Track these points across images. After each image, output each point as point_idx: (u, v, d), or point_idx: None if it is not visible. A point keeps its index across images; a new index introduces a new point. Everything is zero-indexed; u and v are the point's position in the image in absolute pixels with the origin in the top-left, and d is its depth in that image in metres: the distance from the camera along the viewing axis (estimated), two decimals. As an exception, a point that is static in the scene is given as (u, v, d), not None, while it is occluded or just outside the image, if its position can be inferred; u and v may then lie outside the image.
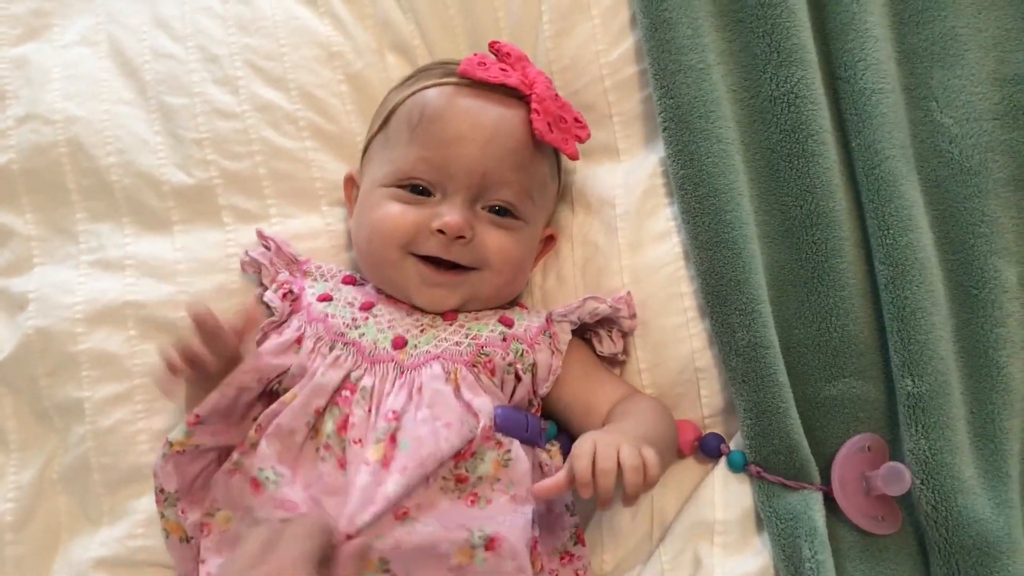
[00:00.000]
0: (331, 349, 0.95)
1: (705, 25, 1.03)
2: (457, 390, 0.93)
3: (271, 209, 1.10)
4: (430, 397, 0.91)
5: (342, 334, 0.95)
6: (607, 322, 1.01)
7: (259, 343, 0.99)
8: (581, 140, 1.02)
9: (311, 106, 1.12)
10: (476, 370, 0.94)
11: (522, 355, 0.96)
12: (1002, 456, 0.91)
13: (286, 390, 0.93)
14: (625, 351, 1.02)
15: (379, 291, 1.02)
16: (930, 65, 1.04)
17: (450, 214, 0.94)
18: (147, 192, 1.09)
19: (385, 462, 0.88)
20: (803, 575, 0.88)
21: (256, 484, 0.90)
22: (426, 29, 1.17)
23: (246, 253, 1.05)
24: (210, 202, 1.10)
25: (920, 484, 0.89)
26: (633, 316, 1.00)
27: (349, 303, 0.99)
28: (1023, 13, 1.04)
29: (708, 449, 0.97)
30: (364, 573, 0.85)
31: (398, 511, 0.87)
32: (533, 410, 0.98)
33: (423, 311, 0.99)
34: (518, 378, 0.96)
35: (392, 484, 0.87)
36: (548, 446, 0.98)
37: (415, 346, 0.95)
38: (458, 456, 0.90)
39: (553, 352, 0.98)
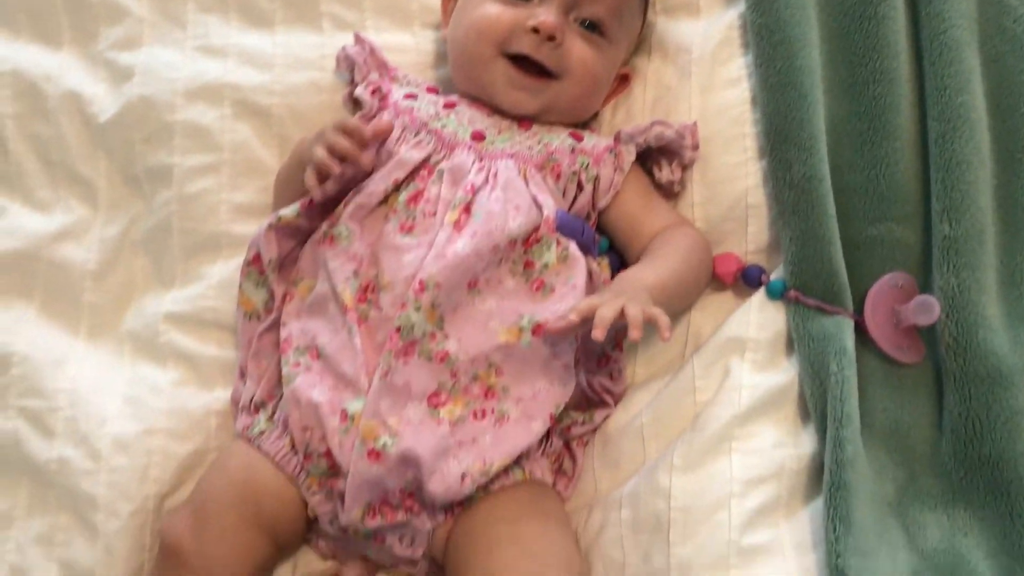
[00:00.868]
0: (415, 135, 1.02)
1: None
2: (526, 184, 1.00)
3: (367, 21, 1.18)
4: (504, 182, 0.99)
5: (425, 123, 1.03)
6: (669, 153, 1.08)
7: None
8: None
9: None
10: (543, 172, 1.02)
11: (587, 167, 1.04)
12: (1025, 303, 0.98)
13: None
14: (682, 183, 1.09)
15: (462, 95, 1.09)
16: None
17: (546, 14, 1.02)
18: (257, -10, 1.17)
19: (458, 226, 0.96)
20: (828, 388, 0.94)
21: (332, 240, 0.98)
22: None
23: (343, 49, 1.12)
24: (312, 8, 1.18)
25: (945, 317, 0.96)
26: (696, 147, 1.07)
27: (433, 102, 1.07)
28: None
29: (749, 278, 1.04)
30: (423, 320, 0.93)
31: (471, 280, 0.95)
32: (590, 223, 1.05)
33: (502, 115, 1.06)
34: (580, 187, 1.04)
35: (461, 243, 0.94)
36: (599, 259, 1.05)
37: (492, 142, 1.02)
38: (526, 243, 0.97)
39: (616, 169, 1.05)
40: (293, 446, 0.95)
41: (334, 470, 0.93)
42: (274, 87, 1.13)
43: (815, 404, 0.95)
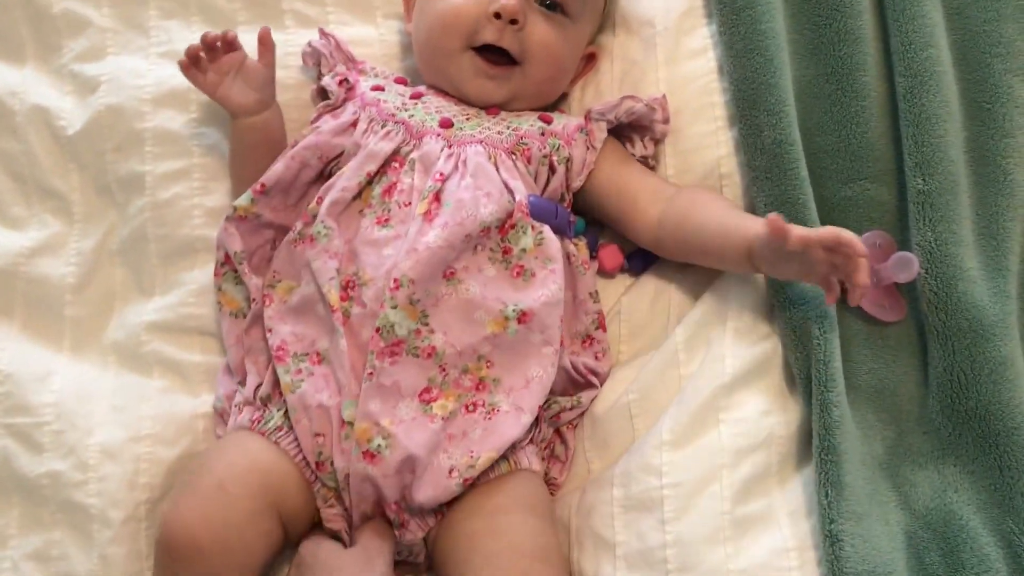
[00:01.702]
0: (383, 127, 1.02)
1: None
2: (497, 170, 1.00)
3: (330, 16, 1.17)
4: (473, 168, 0.98)
5: (392, 115, 1.03)
6: (641, 128, 1.07)
7: (312, 123, 1.06)
8: None
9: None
10: (514, 157, 1.01)
11: (558, 148, 1.03)
12: (1003, 253, 0.98)
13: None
14: (655, 157, 1.08)
15: (429, 86, 1.08)
16: None
17: None
18: (216, -7, 1.17)
19: (428, 216, 0.95)
20: (810, 352, 0.94)
21: (311, 239, 0.97)
22: None
23: (308, 44, 1.12)
24: (274, 6, 1.17)
25: (925, 273, 0.95)
26: (666, 120, 1.07)
27: (400, 93, 1.06)
28: None
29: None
30: (404, 318, 0.93)
31: (447, 271, 0.95)
32: (564, 204, 1.05)
33: (469, 104, 1.06)
34: (552, 169, 1.03)
35: (433, 235, 0.94)
36: (575, 240, 1.05)
37: (460, 128, 1.02)
38: (502, 230, 0.97)
39: (588, 148, 1.05)
40: (303, 454, 0.94)
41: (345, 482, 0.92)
42: (238, 88, 1.12)
43: (800, 369, 0.95)
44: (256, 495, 0.91)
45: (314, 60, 1.12)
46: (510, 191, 0.98)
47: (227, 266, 1.03)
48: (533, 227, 0.98)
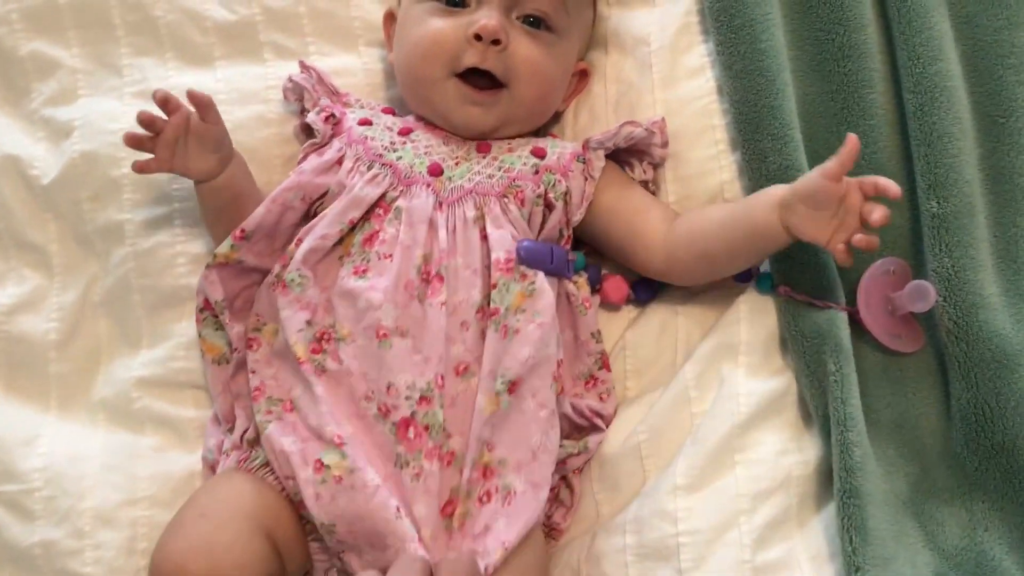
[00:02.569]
0: (369, 168, 0.97)
1: None
2: (483, 229, 0.95)
3: (310, 47, 1.12)
4: (463, 245, 0.94)
5: (380, 155, 0.98)
6: (639, 153, 1.03)
7: (300, 164, 1.02)
8: None
9: (352, -56, 1.14)
10: (505, 200, 0.97)
11: (554, 185, 0.99)
12: (1024, 276, 0.94)
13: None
14: (655, 182, 1.04)
15: (418, 119, 1.04)
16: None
17: (486, 18, 0.96)
18: (190, 28, 1.12)
19: (444, 305, 0.93)
20: (827, 389, 0.90)
21: (284, 286, 0.94)
22: None
23: (289, 79, 1.07)
24: (251, 39, 1.12)
25: (943, 301, 0.91)
26: (665, 144, 1.02)
27: (388, 127, 1.02)
28: None
29: (738, 274, 0.99)
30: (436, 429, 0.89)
31: (459, 367, 0.91)
32: (563, 241, 1.01)
33: (459, 140, 1.01)
34: (550, 207, 0.98)
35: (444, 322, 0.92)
36: (575, 277, 1.01)
37: (450, 178, 0.97)
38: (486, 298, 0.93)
39: (587, 179, 1.01)
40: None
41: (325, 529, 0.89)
42: (216, 127, 1.07)
43: (816, 406, 0.91)
44: (242, 517, 0.87)
45: (296, 95, 1.07)
46: (489, 251, 0.94)
47: (206, 311, 1.00)
48: (525, 275, 0.94)
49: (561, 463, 0.97)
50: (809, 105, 1.01)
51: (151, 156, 0.98)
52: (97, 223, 1.07)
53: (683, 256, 0.97)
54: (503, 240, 0.94)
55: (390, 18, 1.09)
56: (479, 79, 0.99)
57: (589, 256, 1.05)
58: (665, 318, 1.03)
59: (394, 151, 0.99)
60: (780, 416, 0.93)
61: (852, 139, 0.85)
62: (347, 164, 0.98)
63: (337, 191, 0.97)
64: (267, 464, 0.92)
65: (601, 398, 1.00)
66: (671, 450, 0.95)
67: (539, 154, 1.00)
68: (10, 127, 1.11)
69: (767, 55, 0.97)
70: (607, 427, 0.99)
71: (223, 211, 1.01)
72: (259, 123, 1.08)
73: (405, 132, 1.01)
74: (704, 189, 1.02)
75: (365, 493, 0.87)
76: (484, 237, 0.95)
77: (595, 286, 1.04)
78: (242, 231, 0.97)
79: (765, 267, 0.99)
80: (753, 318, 0.97)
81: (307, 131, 1.06)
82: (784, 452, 0.91)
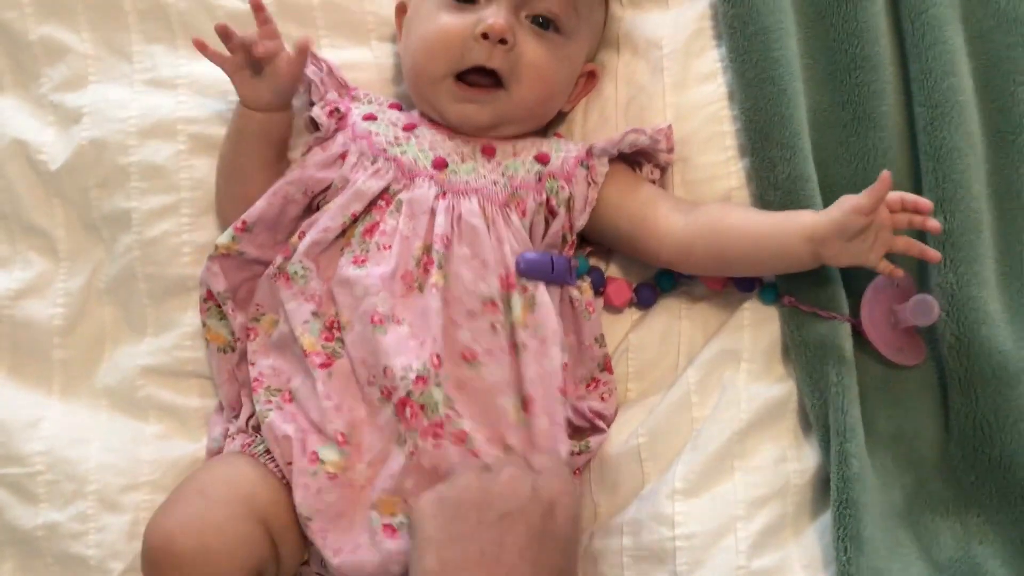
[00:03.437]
0: (373, 163, 0.98)
1: None
2: (489, 229, 0.96)
3: (322, 39, 1.12)
4: (469, 234, 0.94)
5: (384, 150, 0.99)
6: (645, 155, 1.03)
7: (304, 157, 1.03)
8: None
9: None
10: (507, 210, 0.97)
11: (557, 192, 0.99)
12: (1028, 294, 0.94)
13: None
14: (662, 185, 1.04)
15: (422, 115, 1.04)
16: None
17: (494, 16, 0.96)
18: (201, 16, 1.11)
19: (438, 288, 0.93)
20: (828, 399, 0.91)
21: (287, 278, 0.95)
22: None
23: (300, 71, 1.07)
24: (263, 29, 1.11)
25: (946, 316, 0.92)
26: (671, 150, 1.02)
27: (392, 123, 1.02)
28: None
29: (742, 283, 1.00)
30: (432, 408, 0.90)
31: (466, 352, 0.92)
32: (567, 247, 1.01)
33: (463, 139, 1.01)
34: (553, 213, 0.99)
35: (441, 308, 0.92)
36: (579, 282, 1.01)
37: (454, 172, 0.98)
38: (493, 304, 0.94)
39: (590, 184, 1.00)
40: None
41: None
42: (229, 116, 1.07)
43: (816, 416, 0.92)
44: (238, 500, 0.89)
45: (305, 87, 1.07)
46: (502, 255, 0.95)
47: (210, 301, 1.01)
48: (525, 288, 0.94)
49: None
50: (819, 115, 1.01)
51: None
52: (104, 210, 1.07)
53: (700, 252, 0.97)
54: (509, 252, 0.95)
55: (402, 9, 1.09)
56: (479, 78, 0.99)
57: (592, 256, 1.06)
58: (668, 322, 1.03)
59: (398, 146, 0.99)
60: (780, 424, 0.94)
61: (885, 175, 0.85)
62: (351, 159, 0.99)
63: (340, 185, 0.98)
64: (269, 451, 0.93)
65: (603, 398, 1.01)
66: (671, 453, 0.95)
67: (543, 160, 1.00)
68: (19, 112, 1.10)
69: (779, 64, 0.97)
70: (608, 427, 1.00)
71: (242, 141, 1.02)
72: (269, 112, 1.08)
73: (409, 128, 1.02)
74: (711, 194, 1.02)
75: (353, 489, 0.89)
76: (496, 237, 0.96)
77: (598, 289, 1.04)
78: (243, 222, 0.98)
79: (767, 281, 0.99)
80: (757, 325, 0.97)
81: (315, 124, 1.06)
82: (783, 460, 0.92)
